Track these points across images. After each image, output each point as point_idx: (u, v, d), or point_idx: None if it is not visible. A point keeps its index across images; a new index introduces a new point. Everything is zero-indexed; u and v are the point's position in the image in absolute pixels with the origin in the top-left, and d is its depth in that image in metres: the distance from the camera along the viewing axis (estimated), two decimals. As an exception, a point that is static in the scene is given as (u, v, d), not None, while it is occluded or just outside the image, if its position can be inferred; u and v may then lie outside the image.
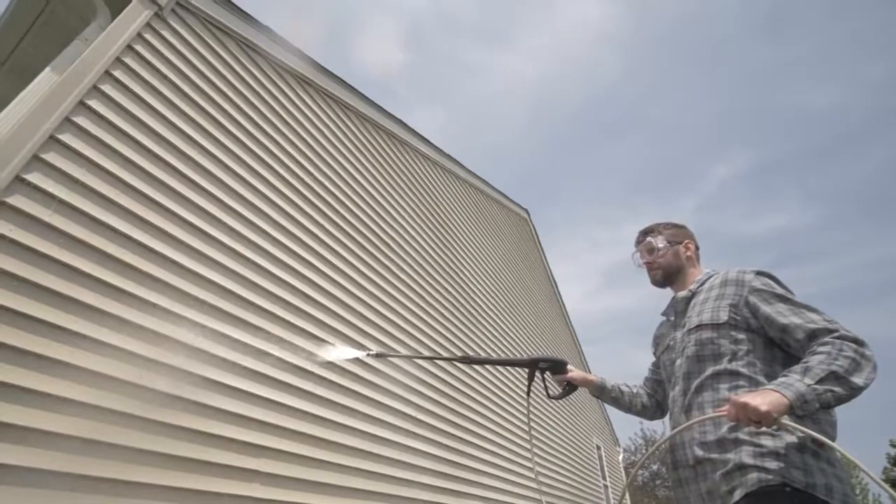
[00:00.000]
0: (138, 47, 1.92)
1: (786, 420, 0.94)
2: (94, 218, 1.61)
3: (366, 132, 3.48)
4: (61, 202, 1.52)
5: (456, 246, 4.61)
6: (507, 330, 5.41)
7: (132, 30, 1.90)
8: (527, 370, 1.31)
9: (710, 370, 1.17)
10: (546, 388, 1.38)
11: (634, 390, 1.48)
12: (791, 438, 1.03)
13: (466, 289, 4.59)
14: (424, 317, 3.67)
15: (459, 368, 3.88)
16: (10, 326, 1.30)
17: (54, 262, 1.46)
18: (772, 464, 1.01)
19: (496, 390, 4.57)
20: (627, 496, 8.60)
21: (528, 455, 4.90)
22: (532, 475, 4.85)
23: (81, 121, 1.65)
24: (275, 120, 2.62)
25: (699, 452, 1.13)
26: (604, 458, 8.24)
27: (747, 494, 1.01)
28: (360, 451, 2.53)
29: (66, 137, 1.58)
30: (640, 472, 19.42)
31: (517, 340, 5.69)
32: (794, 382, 0.98)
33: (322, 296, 2.62)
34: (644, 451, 17.59)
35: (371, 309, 3.04)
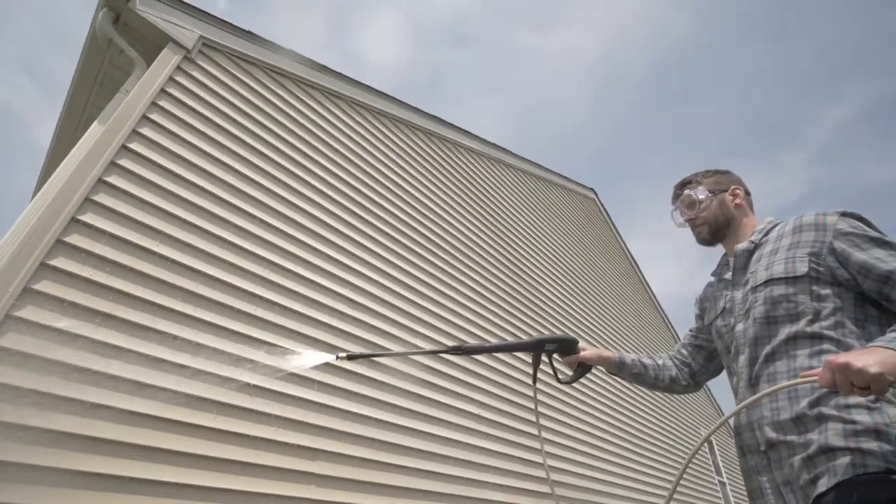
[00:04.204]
0: (171, 90, 2.11)
1: None
2: (141, 247, 1.79)
3: (401, 134, 3.51)
4: (111, 236, 1.71)
5: (514, 237, 4.46)
6: (580, 318, 5.12)
7: (164, 75, 2.10)
8: (531, 354, 1.18)
9: (784, 334, 0.97)
10: (555, 372, 1.24)
11: (660, 362, 1.29)
12: (895, 411, 0.82)
13: (531, 280, 4.43)
14: (484, 313, 3.59)
15: (527, 362, 3.74)
16: (66, 346, 1.48)
17: (107, 289, 1.64)
18: (870, 444, 0.81)
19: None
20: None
21: (631, 449, 4.57)
22: (636, 475, 4.52)
23: (125, 162, 1.84)
24: (306, 136, 2.73)
25: (771, 435, 0.93)
26: (717, 453, 7.44)
27: (839, 484, 0.81)
28: (419, 452, 2.53)
29: (112, 179, 1.78)
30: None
31: (594, 329, 5.36)
32: None
33: (372, 301, 2.67)
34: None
35: (425, 310, 3.03)
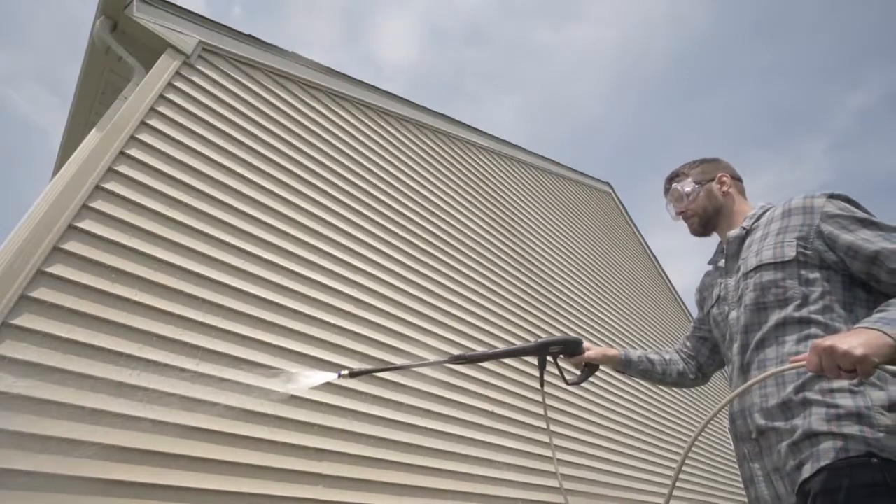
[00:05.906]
0: (171, 95, 2.11)
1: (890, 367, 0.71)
2: (141, 252, 1.78)
3: (408, 133, 3.46)
4: (110, 242, 1.71)
5: (529, 235, 4.38)
6: (599, 315, 4.99)
7: (163, 81, 2.10)
8: (537, 358, 1.14)
9: (774, 320, 0.96)
10: (562, 374, 1.18)
11: (667, 357, 1.26)
12: (878, 394, 0.82)
13: (547, 278, 4.33)
14: (501, 312, 3.52)
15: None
16: (64, 353, 1.48)
17: (106, 295, 1.64)
18: (852, 428, 0.81)
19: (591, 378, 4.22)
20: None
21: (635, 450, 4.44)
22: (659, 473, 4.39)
23: (123, 168, 1.85)
24: (310, 138, 2.71)
25: (761, 421, 0.93)
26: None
27: (821, 470, 0.81)
28: (431, 450, 2.48)
29: (110, 185, 1.79)
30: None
31: (613, 325, 5.22)
32: None
33: (383, 302, 2.64)
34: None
35: (439, 311, 2.98)
